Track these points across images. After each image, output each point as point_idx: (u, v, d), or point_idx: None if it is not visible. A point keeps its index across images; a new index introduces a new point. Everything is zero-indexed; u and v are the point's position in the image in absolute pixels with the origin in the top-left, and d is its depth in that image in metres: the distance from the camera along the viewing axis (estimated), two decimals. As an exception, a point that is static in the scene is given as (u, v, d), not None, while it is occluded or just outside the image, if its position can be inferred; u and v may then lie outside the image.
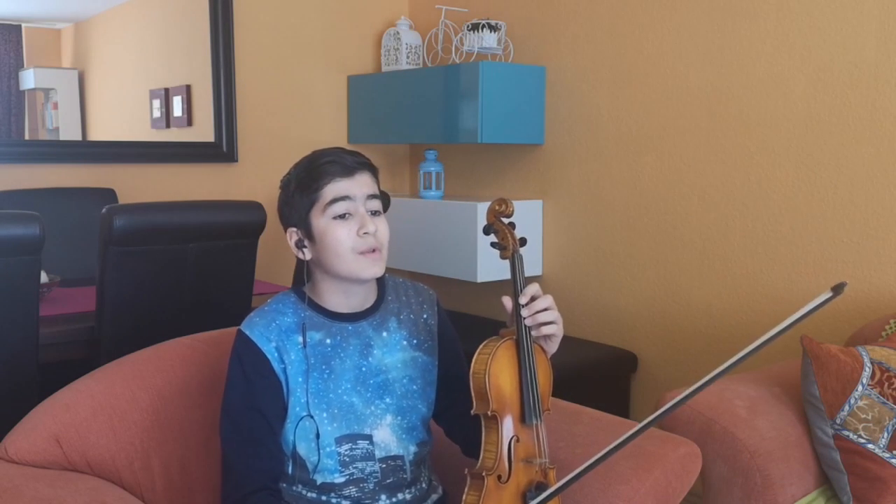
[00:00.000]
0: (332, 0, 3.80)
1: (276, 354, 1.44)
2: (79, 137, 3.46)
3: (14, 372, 2.07)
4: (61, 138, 3.42)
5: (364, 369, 1.48)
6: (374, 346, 1.51)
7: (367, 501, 1.46)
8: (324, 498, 1.45)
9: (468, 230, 3.28)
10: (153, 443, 1.63)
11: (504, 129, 3.30)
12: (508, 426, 1.40)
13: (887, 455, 1.88)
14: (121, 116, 3.58)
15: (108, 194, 3.19)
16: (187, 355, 1.75)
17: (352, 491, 1.45)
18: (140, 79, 3.56)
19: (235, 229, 2.40)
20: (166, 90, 3.55)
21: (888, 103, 2.44)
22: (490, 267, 3.29)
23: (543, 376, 1.45)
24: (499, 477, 1.37)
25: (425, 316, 1.59)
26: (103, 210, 2.16)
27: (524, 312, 1.41)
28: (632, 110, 3.09)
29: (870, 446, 1.89)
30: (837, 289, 1.09)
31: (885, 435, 1.90)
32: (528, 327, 1.42)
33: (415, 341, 1.55)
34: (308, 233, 1.45)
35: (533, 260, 3.44)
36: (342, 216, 1.43)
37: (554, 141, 3.38)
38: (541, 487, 1.39)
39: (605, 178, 3.20)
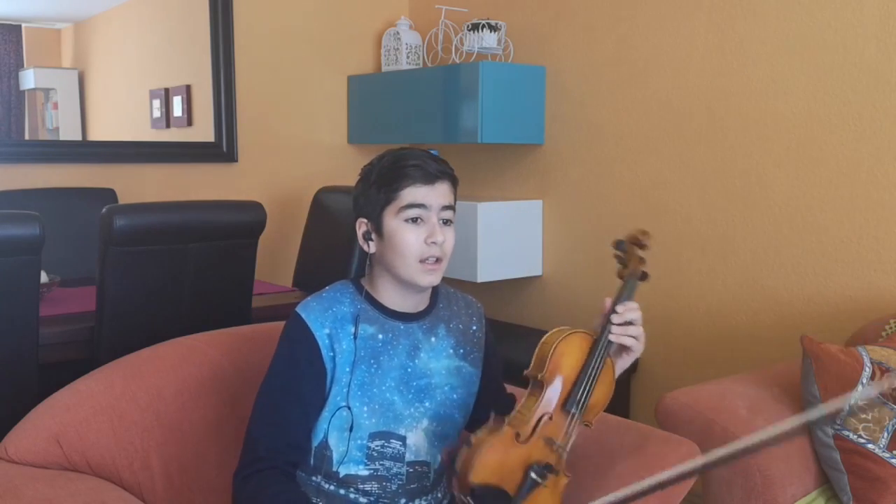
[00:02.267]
0: (332, 0, 3.80)
1: (327, 342, 1.44)
2: (79, 137, 3.46)
3: (14, 372, 2.06)
4: (61, 138, 3.42)
5: (409, 370, 1.48)
6: (421, 349, 1.51)
7: (385, 500, 1.46)
8: (342, 492, 1.45)
9: (468, 230, 3.27)
10: (153, 443, 1.63)
11: (504, 129, 3.30)
12: (548, 400, 1.40)
13: (887, 455, 1.88)
14: (121, 116, 3.58)
15: (108, 194, 3.19)
16: (187, 355, 1.75)
17: (373, 487, 1.45)
18: (140, 79, 3.56)
19: (235, 229, 2.40)
20: (166, 90, 3.55)
21: (888, 103, 2.44)
22: (490, 267, 3.29)
23: (603, 388, 1.46)
24: (517, 434, 1.37)
25: (474, 328, 1.61)
26: (103, 210, 2.16)
27: (616, 313, 1.45)
28: (632, 110, 3.09)
29: (870, 446, 1.89)
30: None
31: (885, 435, 1.89)
32: (609, 336, 1.45)
33: (461, 351, 1.56)
34: (378, 228, 1.46)
35: (533, 260, 3.44)
36: (414, 220, 1.44)
37: (554, 141, 3.38)
38: (548, 468, 1.38)
39: (605, 178, 3.20)
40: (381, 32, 3.85)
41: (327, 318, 1.45)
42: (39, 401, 1.62)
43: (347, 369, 1.44)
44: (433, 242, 1.43)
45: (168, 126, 3.55)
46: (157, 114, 3.55)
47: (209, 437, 1.69)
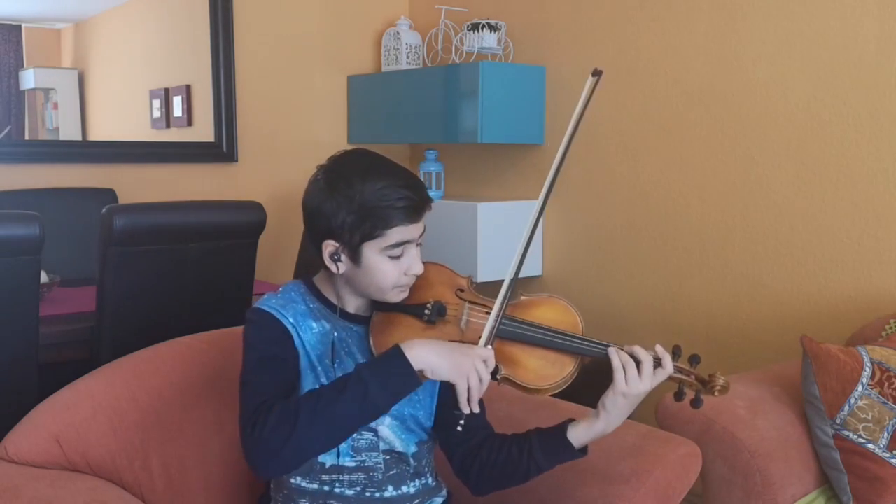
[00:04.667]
0: (332, 0, 3.80)
1: (294, 330, 1.44)
2: (79, 137, 3.46)
3: (14, 372, 2.06)
4: (61, 138, 3.42)
5: None
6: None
7: (372, 489, 1.46)
8: (326, 488, 1.45)
9: (468, 230, 3.27)
10: (153, 443, 1.63)
11: (504, 129, 3.30)
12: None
13: (887, 455, 1.88)
14: (121, 116, 3.58)
15: (108, 194, 3.19)
16: (187, 355, 1.75)
17: (360, 477, 1.46)
18: (140, 79, 3.56)
19: (235, 229, 2.40)
20: (166, 90, 3.55)
21: (888, 103, 2.44)
22: (490, 267, 3.29)
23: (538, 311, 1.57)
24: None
25: None
26: (103, 210, 2.16)
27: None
28: (632, 110, 3.09)
29: (870, 446, 1.89)
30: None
31: (885, 435, 1.90)
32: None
33: None
34: (354, 257, 1.42)
35: (533, 260, 3.44)
36: (397, 256, 1.43)
37: (554, 141, 3.38)
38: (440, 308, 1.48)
39: (605, 178, 3.20)
40: (381, 32, 3.85)
41: (288, 310, 1.45)
42: (39, 401, 1.62)
43: (316, 362, 1.44)
44: (413, 274, 1.45)
45: (168, 126, 3.56)
46: (157, 114, 3.55)
47: (209, 437, 1.69)
